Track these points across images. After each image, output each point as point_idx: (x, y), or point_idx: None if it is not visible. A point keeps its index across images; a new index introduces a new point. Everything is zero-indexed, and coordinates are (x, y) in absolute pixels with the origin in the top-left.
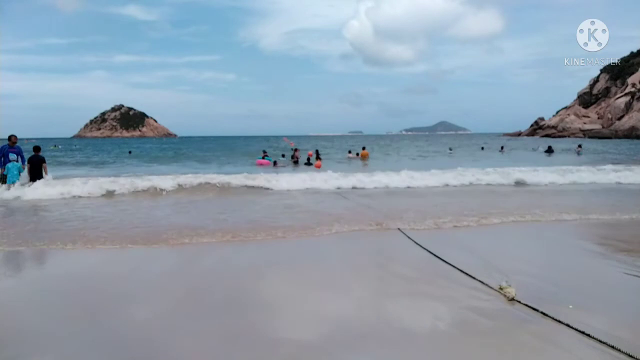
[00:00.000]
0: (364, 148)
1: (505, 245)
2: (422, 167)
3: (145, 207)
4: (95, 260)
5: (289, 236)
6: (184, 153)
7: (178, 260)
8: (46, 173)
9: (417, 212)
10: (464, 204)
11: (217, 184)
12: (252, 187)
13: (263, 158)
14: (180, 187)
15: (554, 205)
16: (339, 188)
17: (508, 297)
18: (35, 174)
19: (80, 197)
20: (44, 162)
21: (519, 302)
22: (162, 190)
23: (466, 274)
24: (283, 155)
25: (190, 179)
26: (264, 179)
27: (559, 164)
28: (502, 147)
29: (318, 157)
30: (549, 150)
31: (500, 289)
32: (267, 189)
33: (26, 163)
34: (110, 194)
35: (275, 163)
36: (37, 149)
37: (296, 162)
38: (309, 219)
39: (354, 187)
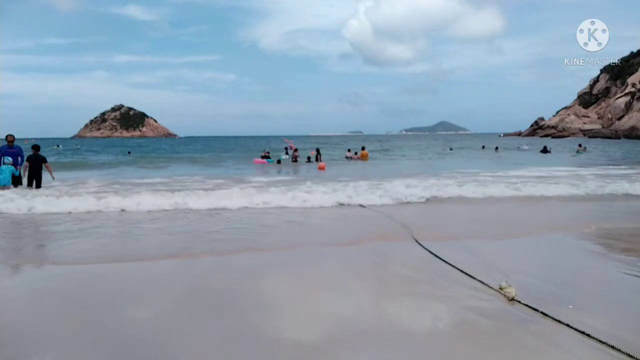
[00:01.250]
0: (363, 148)
1: (505, 245)
2: (428, 167)
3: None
4: (95, 261)
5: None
6: (185, 153)
7: (179, 261)
8: (51, 173)
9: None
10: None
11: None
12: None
13: (262, 158)
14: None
15: None
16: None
17: (508, 297)
18: (35, 175)
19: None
20: (45, 161)
21: (519, 302)
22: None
23: (466, 274)
24: (287, 153)
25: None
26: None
27: (560, 164)
28: (496, 148)
29: (317, 158)
30: (545, 151)
31: (500, 289)
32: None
33: (24, 162)
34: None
35: (279, 162)
36: (36, 147)
37: (295, 161)
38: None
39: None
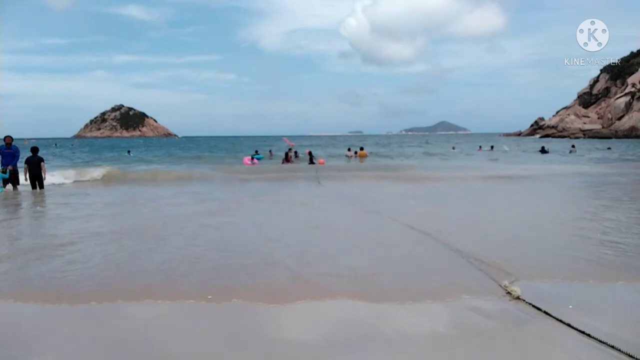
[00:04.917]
0: (362, 148)
1: (506, 244)
2: (431, 166)
3: None
4: (94, 261)
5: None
6: (186, 154)
7: (179, 260)
8: (45, 174)
9: None
10: None
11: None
12: None
13: (252, 157)
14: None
15: None
16: None
17: (513, 296)
18: (35, 176)
19: None
20: (42, 161)
21: (524, 300)
22: None
23: (467, 273)
24: (297, 156)
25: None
26: None
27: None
28: (491, 146)
29: (311, 159)
30: (543, 151)
31: (505, 287)
32: None
33: (23, 164)
34: None
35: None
36: (34, 150)
37: (292, 159)
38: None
39: None
